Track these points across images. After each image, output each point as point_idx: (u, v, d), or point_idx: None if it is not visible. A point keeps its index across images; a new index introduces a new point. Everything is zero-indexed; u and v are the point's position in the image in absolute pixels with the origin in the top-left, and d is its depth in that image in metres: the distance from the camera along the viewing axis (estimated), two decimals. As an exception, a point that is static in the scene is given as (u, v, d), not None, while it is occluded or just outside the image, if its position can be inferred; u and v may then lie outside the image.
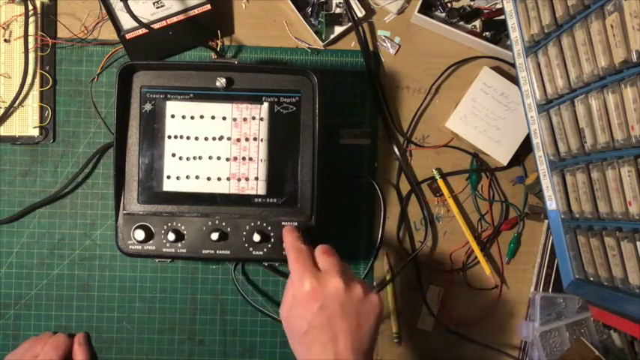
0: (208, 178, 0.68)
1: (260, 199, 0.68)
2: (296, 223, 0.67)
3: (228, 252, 0.67)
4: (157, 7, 0.75)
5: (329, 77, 0.79)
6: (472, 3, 0.79)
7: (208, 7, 0.75)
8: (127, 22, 0.74)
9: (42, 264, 0.77)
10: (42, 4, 0.76)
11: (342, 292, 0.56)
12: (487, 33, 0.79)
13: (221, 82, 0.67)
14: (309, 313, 0.55)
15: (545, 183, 0.69)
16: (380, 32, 0.80)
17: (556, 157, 0.66)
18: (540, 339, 0.76)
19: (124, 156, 0.67)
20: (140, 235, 0.65)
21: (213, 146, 0.68)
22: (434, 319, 0.80)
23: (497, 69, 0.78)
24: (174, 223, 0.67)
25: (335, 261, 0.59)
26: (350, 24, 0.77)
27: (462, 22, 0.80)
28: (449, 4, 0.79)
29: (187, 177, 0.68)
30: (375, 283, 0.80)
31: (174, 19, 0.75)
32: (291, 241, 0.62)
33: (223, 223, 0.67)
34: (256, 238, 0.66)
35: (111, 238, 0.77)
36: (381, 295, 0.61)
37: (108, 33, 0.77)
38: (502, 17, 0.77)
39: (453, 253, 0.80)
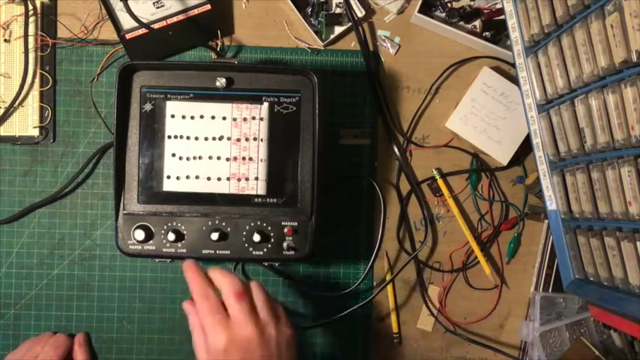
0: (208, 178, 0.68)
1: (260, 199, 0.68)
2: (296, 223, 0.67)
3: (228, 252, 0.67)
4: (157, 7, 0.75)
5: (329, 77, 0.79)
6: (472, 3, 0.79)
7: (208, 7, 0.75)
8: (127, 22, 0.74)
9: (42, 264, 0.77)
10: (42, 4, 0.76)
11: (256, 341, 0.56)
12: (487, 33, 0.79)
13: (221, 82, 0.67)
14: None
15: (545, 183, 0.69)
16: (380, 32, 0.80)
17: (556, 157, 0.66)
18: (540, 339, 0.76)
19: (124, 156, 0.67)
20: (140, 235, 0.65)
21: (213, 146, 0.68)
22: (434, 319, 0.80)
23: (497, 69, 0.78)
24: (174, 223, 0.67)
25: (245, 306, 0.57)
26: (350, 24, 0.77)
27: (462, 22, 0.80)
28: (449, 4, 0.79)
29: (187, 177, 0.68)
30: (375, 283, 0.80)
31: (174, 19, 0.75)
32: (198, 287, 0.59)
33: (223, 223, 0.67)
34: (256, 238, 0.66)
35: (111, 238, 0.77)
36: (292, 323, 0.61)
37: (108, 33, 0.77)
38: (502, 17, 0.77)
39: (453, 253, 0.80)
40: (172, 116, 0.68)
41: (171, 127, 0.68)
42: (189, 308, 0.60)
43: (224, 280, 0.59)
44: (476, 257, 0.80)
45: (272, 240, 0.67)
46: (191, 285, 0.59)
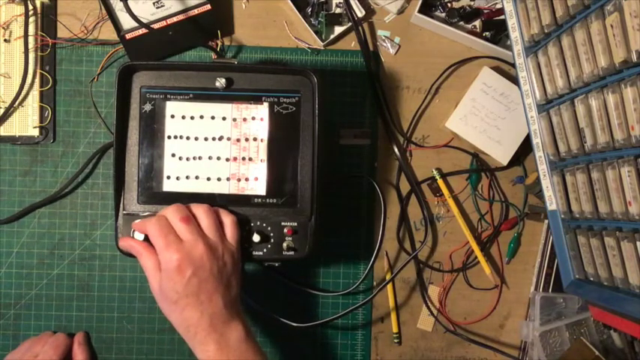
0: (208, 179, 0.68)
1: (260, 200, 0.68)
2: (296, 223, 0.67)
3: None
4: (157, 7, 0.75)
5: (329, 77, 0.79)
6: (472, 3, 0.79)
7: (208, 7, 0.75)
8: (127, 22, 0.74)
9: (42, 264, 0.77)
10: (42, 4, 0.76)
11: (207, 258, 0.60)
12: (487, 33, 0.79)
13: (221, 82, 0.67)
14: (180, 285, 0.59)
15: (545, 183, 0.69)
16: (380, 32, 0.80)
17: (556, 157, 0.66)
18: (540, 339, 0.76)
19: (124, 156, 0.67)
20: (140, 235, 0.65)
21: (213, 146, 0.68)
22: (434, 319, 0.80)
23: (497, 69, 0.78)
24: (174, 223, 0.67)
25: (193, 228, 0.61)
26: (350, 24, 0.77)
27: (462, 22, 0.79)
28: (449, 4, 0.79)
29: (187, 177, 0.68)
30: (375, 283, 0.80)
31: (174, 19, 0.75)
32: (148, 220, 0.62)
33: (223, 223, 0.67)
34: (256, 238, 0.66)
35: (111, 238, 0.77)
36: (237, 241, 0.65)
37: (108, 33, 0.77)
38: (502, 17, 0.77)
39: (452, 253, 0.80)
40: (172, 116, 0.67)
41: (171, 127, 0.68)
42: (136, 246, 0.63)
43: (169, 209, 0.62)
44: (476, 257, 0.80)
45: (272, 240, 0.67)
46: (143, 224, 0.63)
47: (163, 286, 0.60)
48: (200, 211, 0.63)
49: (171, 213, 0.62)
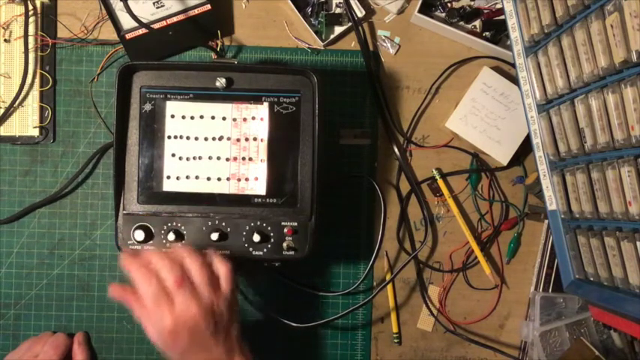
0: (208, 179, 0.68)
1: (260, 200, 0.68)
2: (296, 223, 0.67)
3: (228, 252, 0.67)
4: (157, 7, 0.75)
5: (329, 77, 0.79)
6: (472, 3, 0.79)
7: (208, 7, 0.75)
8: (127, 22, 0.74)
9: (42, 264, 0.77)
10: (42, 4, 0.76)
11: (201, 318, 0.58)
12: (487, 33, 0.79)
13: (221, 82, 0.67)
14: (179, 347, 0.58)
15: (545, 183, 0.69)
16: (380, 32, 0.80)
17: (556, 157, 0.66)
18: (540, 339, 0.76)
19: (124, 156, 0.67)
20: (140, 235, 0.65)
21: (213, 146, 0.68)
22: (434, 319, 0.80)
23: (497, 69, 0.78)
24: (174, 224, 0.67)
25: (186, 291, 0.58)
26: (350, 24, 0.77)
27: (462, 22, 0.80)
28: (449, 4, 0.79)
29: (187, 177, 0.68)
30: (375, 283, 0.80)
31: (174, 19, 0.75)
32: (140, 276, 0.59)
33: (223, 224, 0.67)
34: (256, 238, 0.66)
35: (111, 238, 0.77)
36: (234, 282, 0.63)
37: (108, 33, 0.77)
38: (502, 17, 0.77)
39: (453, 253, 0.80)
40: (172, 116, 0.67)
41: (171, 127, 0.68)
42: (128, 297, 0.60)
43: (164, 269, 0.59)
44: (476, 257, 0.80)
45: (272, 240, 0.67)
46: (132, 274, 0.60)
47: (160, 344, 0.59)
48: (194, 267, 0.60)
49: (165, 272, 0.59)
